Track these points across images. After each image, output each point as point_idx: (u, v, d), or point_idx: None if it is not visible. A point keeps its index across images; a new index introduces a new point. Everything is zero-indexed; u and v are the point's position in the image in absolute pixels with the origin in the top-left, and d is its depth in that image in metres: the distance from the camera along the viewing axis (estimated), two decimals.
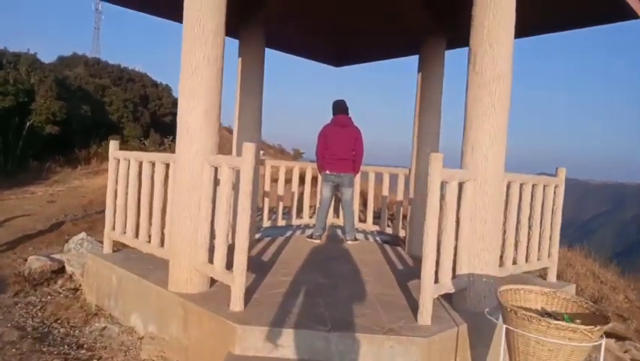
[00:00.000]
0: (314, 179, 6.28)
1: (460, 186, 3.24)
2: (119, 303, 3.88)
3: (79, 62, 28.32)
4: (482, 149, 3.26)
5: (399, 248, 5.71)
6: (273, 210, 6.74)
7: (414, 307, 3.23)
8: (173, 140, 3.93)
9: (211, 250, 3.27)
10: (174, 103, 38.97)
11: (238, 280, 2.94)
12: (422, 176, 5.26)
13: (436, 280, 3.07)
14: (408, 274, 4.28)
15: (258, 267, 4.14)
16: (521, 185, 3.90)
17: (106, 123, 20.59)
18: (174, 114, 4.53)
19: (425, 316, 2.93)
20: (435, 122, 5.28)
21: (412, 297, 3.52)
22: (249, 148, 2.97)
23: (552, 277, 4.40)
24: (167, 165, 3.74)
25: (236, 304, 2.95)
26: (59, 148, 16.75)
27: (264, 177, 5.69)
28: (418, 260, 4.97)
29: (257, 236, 5.67)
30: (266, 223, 5.69)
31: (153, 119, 25.52)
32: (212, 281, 3.43)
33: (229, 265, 3.09)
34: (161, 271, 3.52)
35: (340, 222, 6.30)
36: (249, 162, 2.96)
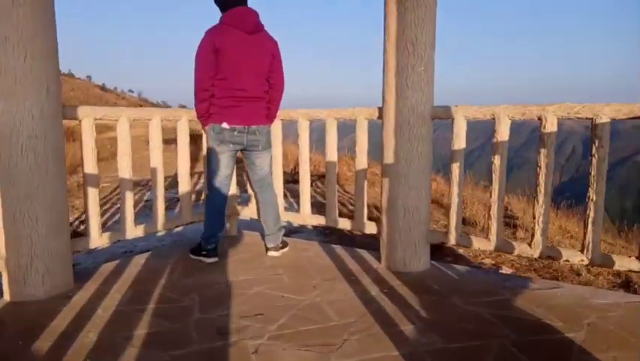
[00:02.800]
0: (194, 138, 3.41)
1: None
2: None
3: None
4: None
5: (361, 252, 3.15)
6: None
7: None
8: None
9: None
10: None
11: None
12: (412, 118, 2.67)
13: None
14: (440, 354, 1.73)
15: None
16: None
17: None
18: None
19: None
20: (428, 14, 2.63)
21: None
22: None
23: None
24: None
25: None
26: None
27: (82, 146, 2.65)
28: (420, 290, 2.38)
29: (93, 260, 2.71)
30: (97, 240, 2.72)
31: None
32: None
33: None
34: None
35: (249, 214, 3.53)
36: None
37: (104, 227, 4.75)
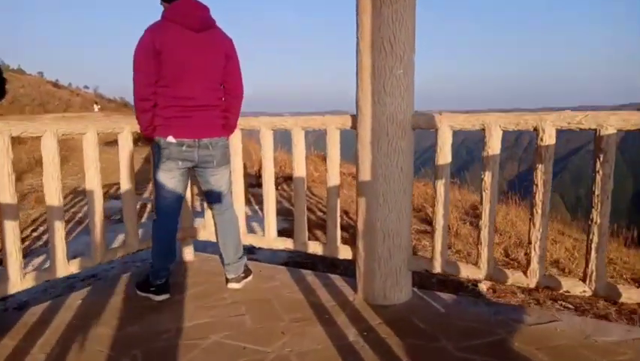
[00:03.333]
0: (137, 139, 2.93)
1: None
2: None
3: None
4: None
5: (334, 278, 2.80)
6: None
7: None
8: None
9: None
10: None
11: None
12: (391, 129, 2.33)
13: None
14: None
15: None
16: None
17: None
18: None
19: None
20: (407, 9, 2.29)
21: None
22: None
23: None
24: None
25: None
26: None
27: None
28: (404, 331, 2.00)
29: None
30: (18, 284, 2.25)
31: None
32: None
33: None
34: None
35: (207, 236, 3.11)
36: None
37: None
